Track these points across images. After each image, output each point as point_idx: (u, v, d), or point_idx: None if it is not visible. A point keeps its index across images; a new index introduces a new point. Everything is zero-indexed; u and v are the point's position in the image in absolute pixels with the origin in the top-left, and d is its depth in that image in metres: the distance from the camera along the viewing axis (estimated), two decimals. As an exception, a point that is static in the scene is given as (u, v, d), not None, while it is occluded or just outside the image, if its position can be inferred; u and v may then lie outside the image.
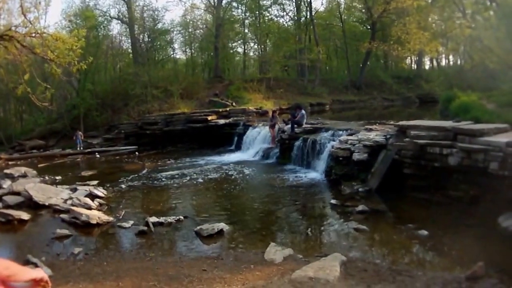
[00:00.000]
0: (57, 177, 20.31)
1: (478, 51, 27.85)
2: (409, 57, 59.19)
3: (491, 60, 25.19)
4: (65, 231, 11.73)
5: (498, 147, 10.97)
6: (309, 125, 21.71)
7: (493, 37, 21.80)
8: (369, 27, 53.37)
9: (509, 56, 21.57)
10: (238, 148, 26.52)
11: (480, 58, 28.11)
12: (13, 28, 18.50)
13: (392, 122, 19.00)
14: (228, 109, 32.92)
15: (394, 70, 60.97)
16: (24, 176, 20.21)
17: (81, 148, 30.24)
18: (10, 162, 27.53)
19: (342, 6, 57.02)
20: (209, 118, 30.01)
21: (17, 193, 15.61)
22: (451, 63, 65.59)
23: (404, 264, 8.78)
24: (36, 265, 8.76)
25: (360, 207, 12.56)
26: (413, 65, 63.44)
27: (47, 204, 14.48)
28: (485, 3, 24.66)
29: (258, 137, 24.94)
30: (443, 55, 62.45)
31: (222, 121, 29.88)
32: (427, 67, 65.83)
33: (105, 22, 46.22)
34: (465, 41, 35.99)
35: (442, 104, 28.42)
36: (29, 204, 14.74)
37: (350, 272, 7.93)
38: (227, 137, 28.38)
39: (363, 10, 54.09)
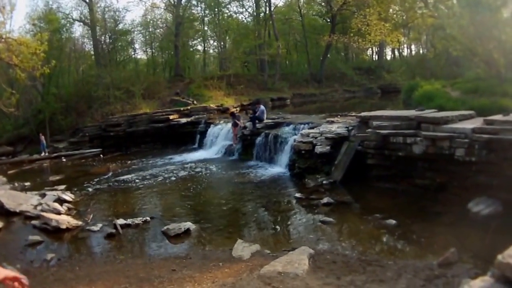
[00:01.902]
0: (26, 183, 20.07)
1: (441, 40, 28.07)
2: (370, 49, 59.45)
3: (455, 48, 25.38)
4: (37, 238, 11.57)
5: (463, 133, 11.08)
6: (270, 120, 21.79)
7: (457, 25, 21.98)
8: (329, 20, 53.45)
9: (473, 43, 21.82)
10: (201, 146, 26.40)
11: (443, 47, 28.37)
12: (-22, 34, 18.26)
13: (354, 114, 19.10)
14: (189, 107, 32.71)
15: (355, 62, 61.01)
16: (-6, 183, 19.99)
17: (46, 153, 29.95)
18: (-21, 170, 27.17)
19: (302, 0, 56.97)
20: (171, 117, 29.88)
21: (-13, 201, 15.44)
22: (413, 52, 65.98)
23: (374, 254, 8.77)
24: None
25: (325, 200, 12.59)
26: (374, 56, 63.76)
27: (18, 211, 14.24)
28: (448, -9, 24.94)
29: (220, 135, 24.84)
30: (405, 45, 62.74)
31: (184, 120, 29.71)
32: (388, 57, 65.95)
33: (68, 24, 45.81)
34: (428, 31, 36.42)
35: (404, 94, 28.67)
36: (1, 211, 14.57)
37: (319, 265, 7.96)
38: (190, 136, 28.21)
39: (323, 4, 54.22)
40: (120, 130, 30.68)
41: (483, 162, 10.73)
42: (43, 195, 15.99)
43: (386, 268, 7.64)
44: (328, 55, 52.90)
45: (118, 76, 39.19)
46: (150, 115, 30.82)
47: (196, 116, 30.06)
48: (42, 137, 30.29)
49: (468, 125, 11.61)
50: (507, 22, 19.21)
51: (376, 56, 61.93)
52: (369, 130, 13.91)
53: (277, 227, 11.44)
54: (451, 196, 11.53)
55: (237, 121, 22.56)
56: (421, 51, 59.72)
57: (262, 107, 22.12)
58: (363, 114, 16.05)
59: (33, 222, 12.98)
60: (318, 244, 9.53)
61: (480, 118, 12.53)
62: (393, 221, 10.35)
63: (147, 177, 19.06)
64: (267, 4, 49.38)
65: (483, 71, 24.35)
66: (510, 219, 9.58)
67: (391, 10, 32.83)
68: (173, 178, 18.47)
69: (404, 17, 31.91)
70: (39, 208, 14.23)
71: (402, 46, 62.13)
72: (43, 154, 29.51)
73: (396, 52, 65.98)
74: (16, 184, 19.73)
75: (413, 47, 64.97)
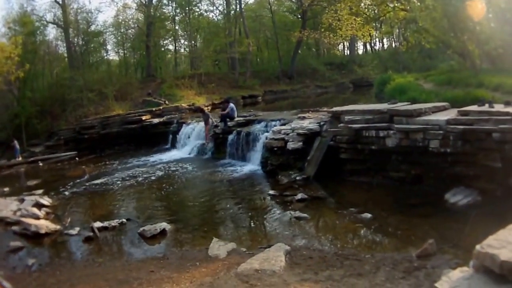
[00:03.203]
0: (5, 189, 19.89)
1: (413, 33, 28.34)
2: (342, 43, 59.75)
3: (428, 41, 25.62)
4: (18, 243, 11.46)
5: (437, 125, 11.18)
6: (241, 118, 21.46)
7: (429, 18, 22.14)
8: (299, 16, 53.76)
9: (446, 35, 22.00)
10: (174, 146, 26.18)
11: (416, 40, 28.64)
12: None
13: (325, 109, 18.95)
14: (161, 107, 32.49)
15: (327, 57, 61.33)
16: (-27, 190, 19.75)
17: (19, 158, 29.66)
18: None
19: (272, -3, 57.12)
20: (144, 118, 29.67)
21: (-32, 208, 15.26)
22: (385, 46, 66.44)
23: (351, 248, 8.77)
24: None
25: (299, 196, 12.53)
26: (346, 51, 64.12)
27: (-2, 217, 14.22)
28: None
29: (193, 134, 24.68)
30: (377, 39, 63.26)
31: (156, 120, 29.47)
32: (360, 52, 66.42)
33: (42, 27, 45.40)
34: (400, 24, 36.66)
35: (377, 87, 28.83)
36: (-19, 218, 14.45)
37: (296, 261, 7.94)
38: (162, 136, 27.95)
39: (293, 0, 54.56)
40: (94, 133, 30.41)
41: (459, 153, 10.80)
42: (21, 200, 15.83)
43: (364, 262, 7.65)
44: (299, 51, 53.08)
45: (91, 78, 38.94)
46: (123, 117, 30.63)
47: (168, 116, 29.86)
48: (15, 142, 29.98)
49: (442, 116, 11.71)
50: (480, 13, 19.38)
51: (348, 51, 62.24)
52: (341, 125, 13.98)
53: (252, 224, 11.48)
54: (427, 188, 11.62)
55: (208, 119, 22.48)
56: (393, 45, 60.16)
57: (231, 105, 21.94)
58: (334, 109, 15.98)
59: (13, 228, 12.88)
60: (294, 240, 9.51)
61: (454, 110, 12.65)
62: (368, 215, 10.37)
63: (122, 178, 18.94)
64: (237, 1, 49.71)
65: (457, 63, 24.60)
66: (488, 208, 9.66)
67: (362, 4, 32.96)
68: (148, 179, 18.38)
69: (375, 11, 32.07)
70: (18, 213, 14.11)
71: (374, 40, 62.77)
72: (17, 159, 29.22)
73: (368, 46, 66.39)
74: (-5, 190, 19.53)
75: (385, 40, 65.55)
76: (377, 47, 67.26)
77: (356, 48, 62.85)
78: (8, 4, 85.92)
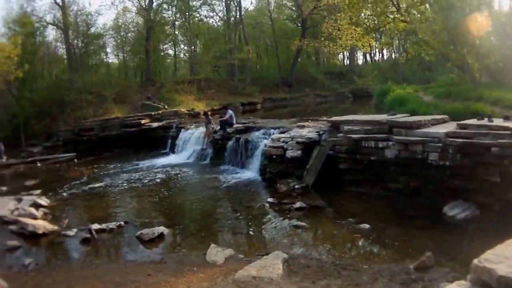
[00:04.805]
0: (2, 188, 19.87)
1: (413, 44, 28.36)
2: (342, 53, 59.75)
3: (427, 53, 25.71)
4: (15, 243, 11.45)
5: (437, 138, 11.20)
6: (241, 125, 21.72)
7: (429, 30, 22.21)
8: (299, 24, 53.72)
9: (446, 48, 22.05)
10: (172, 150, 26.08)
11: (415, 51, 28.69)
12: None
13: (325, 118, 19.02)
14: (160, 112, 32.51)
15: (326, 66, 61.18)
16: (-30, 189, 19.71)
17: (4, 159, 29.65)
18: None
19: (272, 4, 57.17)
20: (143, 122, 29.67)
21: (-35, 207, 15.23)
22: (385, 57, 66.53)
23: (349, 258, 8.80)
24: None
25: (298, 204, 12.57)
26: (345, 61, 64.17)
27: (-5, 215, 14.19)
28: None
29: (191, 139, 24.65)
30: (377, 50, 63.27)
31: (155, 124, 29.47)
32: (360, 62, 66.60)
33: (41, 28, 45.30)
34: (400, 35, 36.72)
35: (376, 98, 28.83)
36: (-22, 216, 14.42)
37: (294, 269, 7.94)
38: (161, 140, 27.83)
39: (294, 8, 54.35)
40: (93, 135, 30.40)
41: (458, 166, 10.81)
42: (19, 200, 15.81)
43: (362, 272, 7.67)
44: (299, 60, 52.96)
45: (90, 80, 38.92)
46: (122, 120, 30.61)
47: (167, 121, 29.82)
48: (1, 143, 29.98)
49: (441, 129, 11.74)
50: (480, 27, 19.43)
51: (348, 61, 62.27)
52: (340, 134, 14.04)
53: (250, 231, 11.48)
54: (425, 200, 11.66)
55: (209, 124, 22.56)
56: (393, 56, 60.25)
57: (230, 111, 22.03)
58: (334, 118, 16.11)
59: (11, 227, 12.84)
60: (292, 248, 9.53)
61: (453, 123, 12.68)
62: (367, 226, 10.39)
63: (120, 181, 18.96)
64: (237, 8, 49.53)
65: (456, 76, 24.62)
66: (486, 222, 9.73)
67: (362, 14, 32.96)
68: (146, 183, 18.39)
69: (375, 22, 32.11)
70: (16, 213, 14.08)
71: (374, 51, 62.69)
72: (1, 160, 29.23)
73: (368, 57, 66.50)
74: (-7, 189, 19.51)
75: (385, 51, 65.59)
76: (377, 58, 67.41)
77: (356, 58, 62.99)
78: (8, 4, 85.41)
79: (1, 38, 35.04)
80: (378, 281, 7.22)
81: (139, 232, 11.22)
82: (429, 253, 7.63)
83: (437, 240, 9.22)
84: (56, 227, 12.52)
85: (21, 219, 12.94)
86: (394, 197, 12.34)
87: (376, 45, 52.45)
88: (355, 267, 7.96)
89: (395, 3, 26.02)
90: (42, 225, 12.51)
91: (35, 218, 13.44)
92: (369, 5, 30.25)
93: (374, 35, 40.43)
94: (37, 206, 14.96)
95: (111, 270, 9.09)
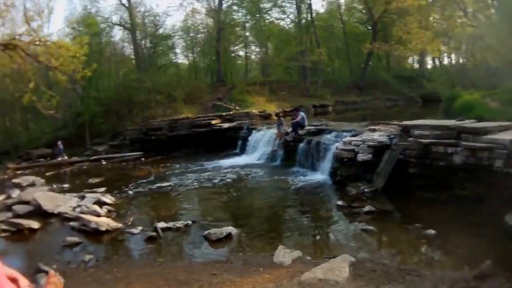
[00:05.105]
0: (65, 185, 20.32)
1: (480, 50, 27.86)
2: (411, 57, 58.98)
3: (494, 58, 25.17)
4: (75, 239, 11.77)
5: (502, 144, 10.98)
6: (312, 127, 21.59)
7: (495, 36, 21.80)
8: (370, 27, 53.52)
9: (511, 54, 21.56)
10: (243, 151, 26.42)
11: (482, 57, 28.12)
12: (17, 37, 18.45)
13: (395, 122, 18.75)
14: (231, 113, 32.82)
15: (396, 70, 60.81)
16: (33, 185, 20.17)
17: (63, 157, 30.33)
18: (18, 172, 27.52)
19: (343, 7, 57.30)
20: (213, 122, 29.95)
21: (26, 202, 15.58)
22: (453, 61, 65.18)
23: (413, 264, 8.80)
24: (47, 273, 8.84)
25: (367, 208, 12.58)
26: (415, 65, 63.32)
27: (56, 212, 14.43)
28: (486, 1, 24.60)
29: (262, 140, 24.80)
30: (445, 54, 62.07)
31: (226, 125, 29.77)
32: (429, 66, 65.76)
33: (107, 28, 46.41)
34: (467, 40, 35.94)
35: (445, 103, 28.50)
36: (39, 212, 14.68)
37: (359, 273, 7.96)
38: (232, 141, 28.19)
39: (364, 11, 54.07)
40: (162, 134, 30.87)
41: (523, 174, 10.59)
42: (82, 197, 16.19)
43: (424, 278, 7.70)
44: (370, 63, 52.61)
45: (159, 80, 39.40)
46: (192, 120, 30.97)
47: (239, 122, 30.15)
48: (60, 143, 30.65)
49: (507, 136, 11.55)
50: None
51: (417, 65, 61.43)
52: (411, 139, 13.96)
53: (318, 234, 11.52)
54: (488, 208, 11.41)
55: (281, 125, 22.68)
56: (461, 61, 59.06)
57: (302, 113, 22.18)
58: (404, 122, 16.03)
59: (71, 223, 13.20)
60: (359, 252, 9.57)
61: (519, 129, 12.45)
62: (432, 231, 10.33)
63: (189, 181, 19.20)
64: (308, 10, 49.38)
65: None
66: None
67: (431, 18, 32.53)
68: (215, 183, 18.60)
69: (444, 26, 31.56)
70: (78, 210, 14.43)
71: (443, 55, 61.54)
72: (60, 158, 29.91)
73: (437, 61, 65.38)
74: (55, 186, 20.00)
75: (453, 56, 64.26)
76: (445, 62, 66.14)
77: (425, 62, 61.90)
78: (71, 5, 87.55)
79: (65, 38, 35.63)
80: (439, 288, 7.24)
81: (206, 232, 11.41)
82: (489, 262, 7.59)
83: (497, 249, 9.11)
84: (120, 225, 12.82)
85: (83, 216, 13.32)
86: (460, 203, 12.16)
87: (445, 50, 51.50)
88: (418, 273, 8.00)
89: (462, 7, 25.51)
90: (106, 222, 12.83)
91: (98, 215, 13.82)
92: (437, 8, 29.83)
93: (442, 39, 39.78)
94: (101, 203, 15.35)
95: (175, 269, 9.27)
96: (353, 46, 53.25)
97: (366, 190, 14.50)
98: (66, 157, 29.93)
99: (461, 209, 11.82)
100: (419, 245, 10.09)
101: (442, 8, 29.43)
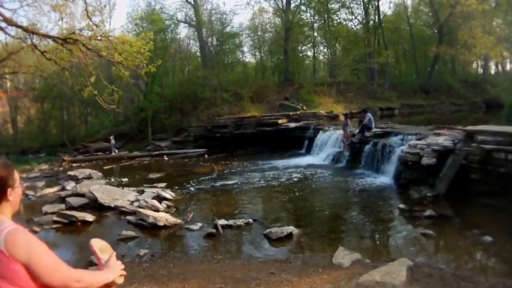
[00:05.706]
0: (123, 179, 20.59)
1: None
2: (475, 62, 57.86)
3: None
4: (131, 233, 11.88)
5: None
6: (379, 129, 21.58)
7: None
8: (436, 31, 52.94)
9: None
10: (309, 151, 26.53)
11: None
12: (77, 32, 18.65)
13: (459, 127, 18.49)
14: (298, 112, 33.06)
15: (461, 74, 59.95)
16: (89, 178, 20.53)
17: (115, 152, 30.73)
18: (73, 164, 28.03)
19: (410, 9, 57.34)
20: (280, 121, 30.17)
21: (81, 195, 15.83)
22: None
23: (468, 270, 8.69)
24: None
25: (428, 212, 12.38)
26: (479, 70, 62.05)
27: (112, 205, 14.63)
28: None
29: (329, 141, 24.86)
30: (508, 60, 61.00)
31: (292, 125, 29.91)
32: (492, 71, 64.75)
33: (172, 25, 46.95)
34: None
35: (508, 109, 28.05)
36: (94, 205, 14.94)
37: (416, 277, 7.88)
38: (297, 141, 28.37)
39: (430, 14, 53.60)
40: (227, 132, 31.25)
41: None
42: (141, 192, 16.35)
43: (478, 285, 7.60)
44: (436, 66, 52.16)
45: (225, 78, 39.97)
46: (258, 119, 31.32)
47: (305, 122, 30.31)
48: (112, 137, 31.11)
49: None
50: None
51: (481, 70, 60.23)
52: (474, 144, 13.77)
53: (378, 237, 11.64)
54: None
55: (348, 126, 22.67)
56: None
57: (369, 115, 22.11)
58: (468, 128, 15.95)
59: (128, 217, 13.36)
60: (417, 256, 9.42)
61: None
62: (489, 238, 10.13)
63: (253, 179, 19.34)
64: (376, 12, 49.66)
65: None
66: None
67: (494, 23, 31.90)
68: (278, 182, 18.65)
69: (506, 31, 30.95)
70: (136, 204, 14.55)
71: (505, 61, 60.48)
72: (113, 153, 30.35)
73: (500, 67, 64.83)
74: (113, 180, 20.28)
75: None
76: (508, 68, 64.96)
77: (488, 68, 60.63)
78: (134, 1, 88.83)
79: (128, 35, 36.26)
80: (492, 295, 7.21)
81: (267, 230, 11.44)
82: (541, 271, 7.54)
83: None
84: (179, 221, 12.90)
85: (141, 210, 13.35)
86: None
87: (507, 55, 50.50)
88: (472, 279, 7.87)
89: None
90: (164, 217, 12.86)
91: (157, 210, 13.82)
92: (500, 13, 29.33)
93: (505, 44, 39.01)
94: (160, 199, 15.43)
95: (232, 266, 9.24)
96: (419, 49, 52.87)
97: (428, 194, 14.42)
98: (116, 152, 30.40)
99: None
100: (475, 251, 9.98)
101: (505, 13, 28.80)
